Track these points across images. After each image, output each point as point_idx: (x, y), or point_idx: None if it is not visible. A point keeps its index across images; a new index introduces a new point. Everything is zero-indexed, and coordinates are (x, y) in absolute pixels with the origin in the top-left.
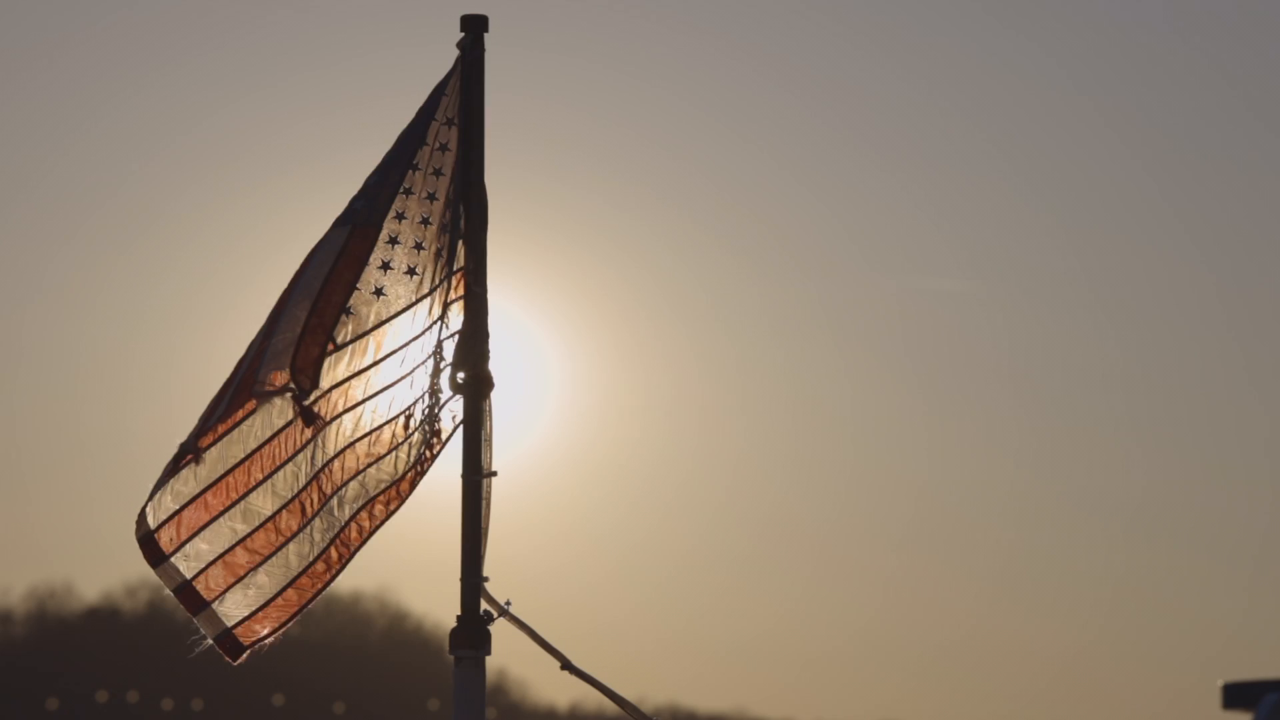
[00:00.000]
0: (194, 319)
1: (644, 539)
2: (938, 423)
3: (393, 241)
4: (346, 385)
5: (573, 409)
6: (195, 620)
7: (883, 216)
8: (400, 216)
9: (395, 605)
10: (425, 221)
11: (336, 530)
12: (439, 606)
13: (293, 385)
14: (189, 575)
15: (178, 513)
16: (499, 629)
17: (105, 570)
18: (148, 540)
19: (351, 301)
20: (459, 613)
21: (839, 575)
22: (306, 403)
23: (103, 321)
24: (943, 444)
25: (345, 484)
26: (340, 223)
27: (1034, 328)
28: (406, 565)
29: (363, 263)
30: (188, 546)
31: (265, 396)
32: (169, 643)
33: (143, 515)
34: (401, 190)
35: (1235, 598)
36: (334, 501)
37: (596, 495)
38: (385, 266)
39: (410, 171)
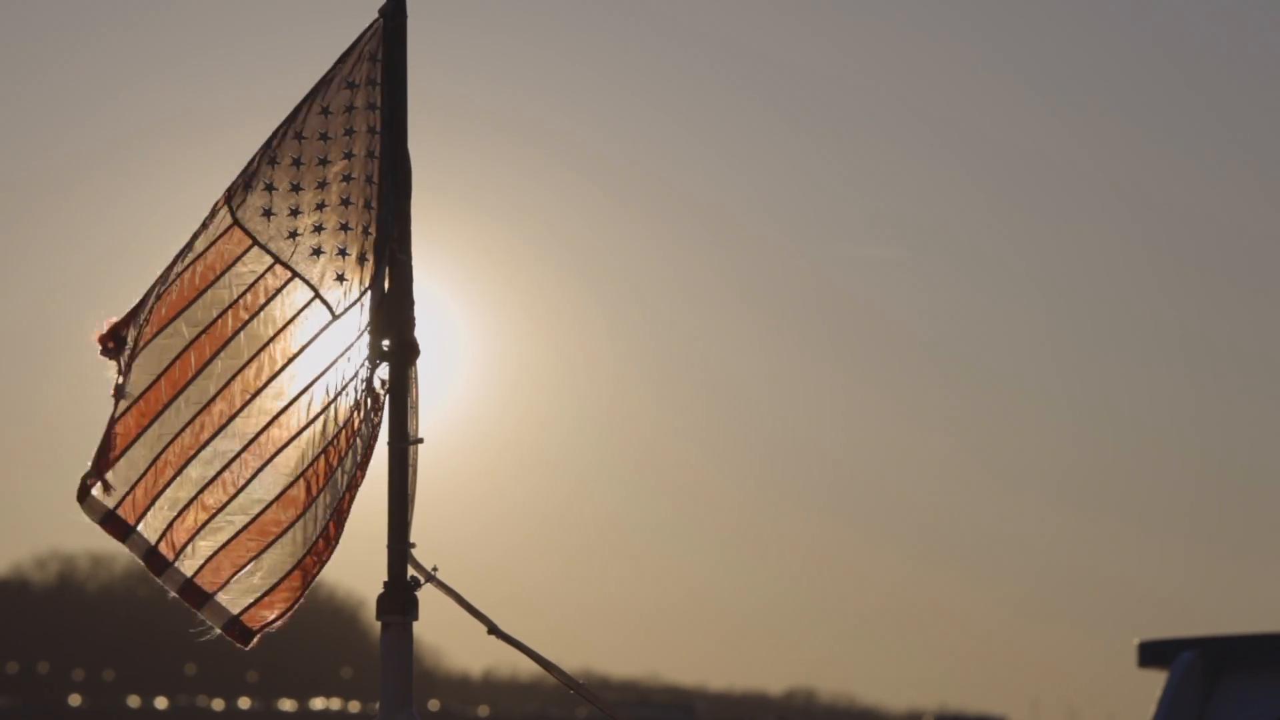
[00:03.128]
0: (110, 289)
1: (558, 505)
2: (856, 389)
3: (268, 214)
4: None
5: (485, 376)
6: (199, 613)
7: (798, 185)
8: (297, 188)
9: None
10: (346, 202)
11: (335, 503)
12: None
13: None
14: (190, 574)
15: (137, 482)
16: (423, 598)
17: (14, 543)
18: (110, 518)
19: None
20: (385, 579)
21: (755, 542)
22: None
23: (15, 292)
24: (861, 411)
25: (343, 459)
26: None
27: (956, 295)
28: None
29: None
30: (189, 547)
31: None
32: (80, 614)
33: (89, 488)
34: (289, 160)
35: (1153, 559)
36: (338, 474)
37: (509, 462)
38: (293, 234)
39: (296, 140)
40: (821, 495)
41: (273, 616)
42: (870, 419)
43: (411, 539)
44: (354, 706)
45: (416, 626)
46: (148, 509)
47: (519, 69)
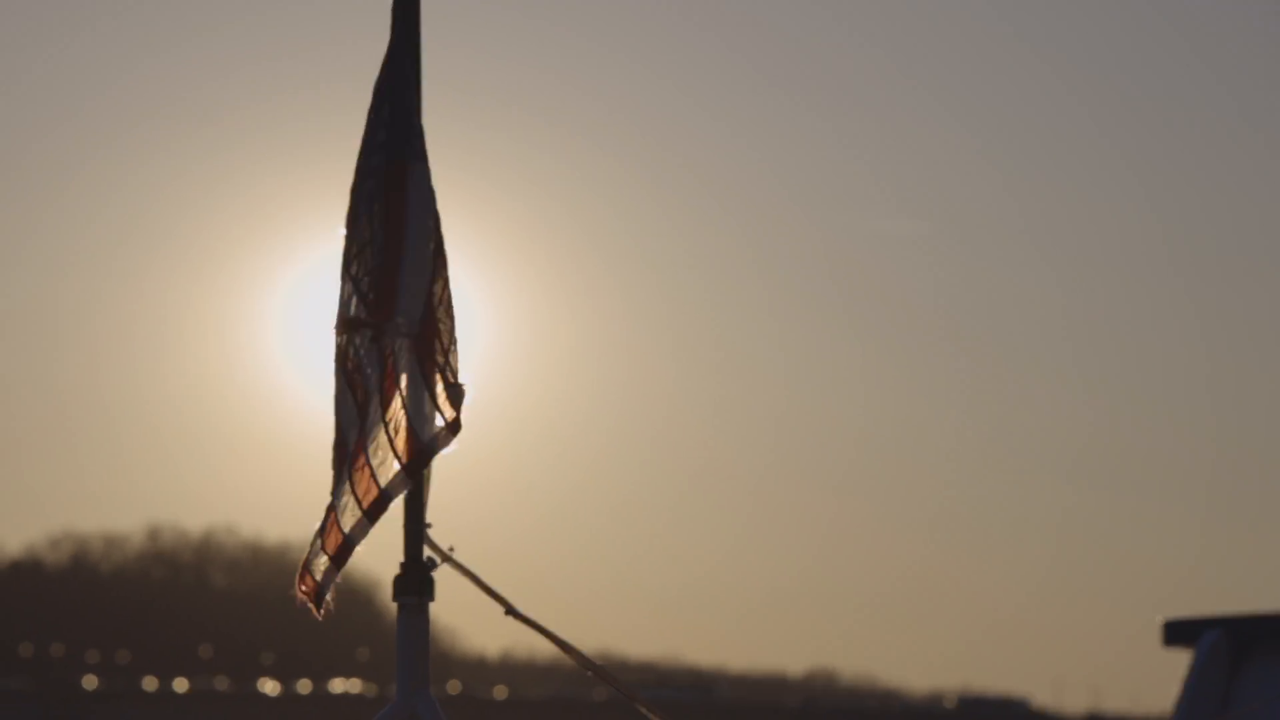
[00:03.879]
0: (117, 269)
1: (576, 485)
2: (875, 367)
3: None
4: None
5: (503, 355)
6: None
7: (817, 160)
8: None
9: None
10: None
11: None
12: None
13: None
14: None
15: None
16: (439, 579)
17: (27, 524)
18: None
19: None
20: (401, 559)
21: (775, 521)
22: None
23: (25, 272)
24: (880, 388)
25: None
26: (418, 158)
27: (978, 271)
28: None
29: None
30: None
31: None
32: (93, 595)
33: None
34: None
35: (1176, 537)
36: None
37: (526, 441)
38: None
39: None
40: (841, 474)
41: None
42: (890, 396)
43: (428, 519)
44: (371, 689)
45: (433, 607)
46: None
47: (535, 45)
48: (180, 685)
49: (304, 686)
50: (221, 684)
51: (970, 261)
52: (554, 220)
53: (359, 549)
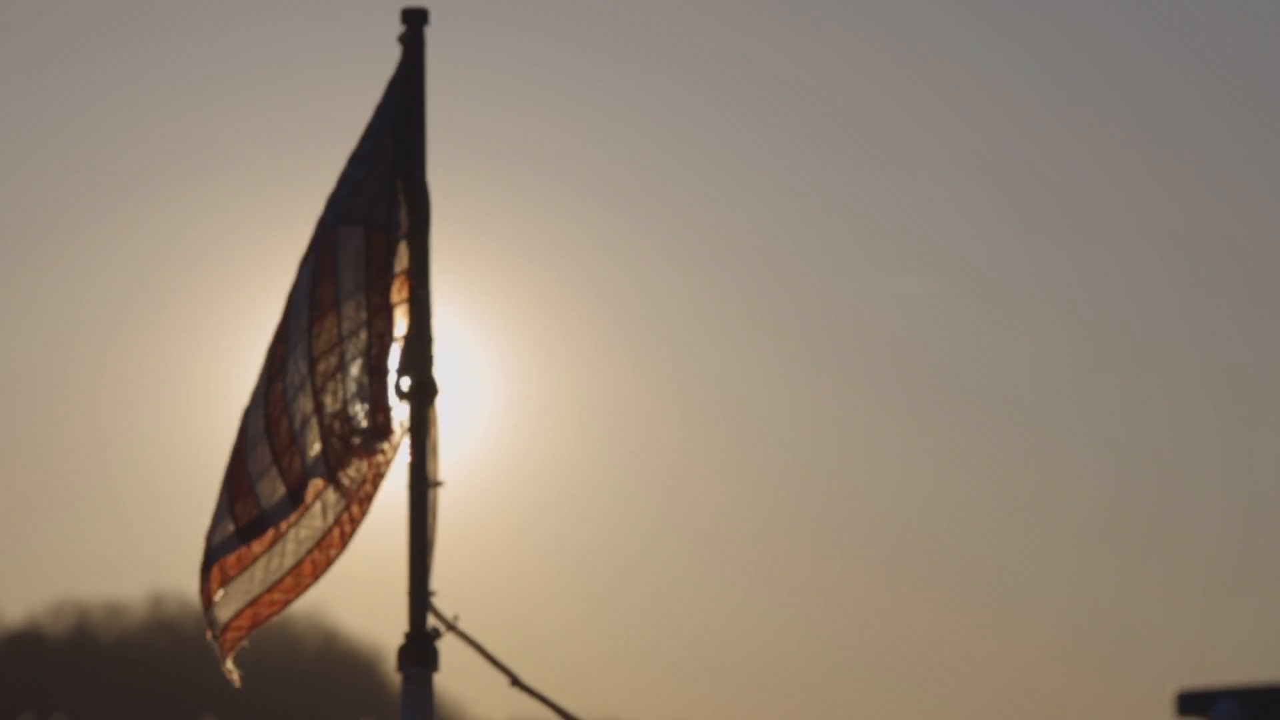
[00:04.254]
0: (124, 326)
1: (583, 550)
2: (882, 428)
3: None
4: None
5: (508, 416)
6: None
7: (826, 216)
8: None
9: (329, 624)
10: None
11: (319, 535)
12: (371, 623)
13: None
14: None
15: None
16: (443, 645)
17: (28, 592)
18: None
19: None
20: (405, 629)
21: (782, 586)
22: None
23: (30, 328)
24: (887, 450)
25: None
26: (346, 220)
27: (988, 330)
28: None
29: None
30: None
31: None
32: (95, 664)
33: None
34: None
35: (1189, 604)
36: (317, 505)
37: (532, 505)
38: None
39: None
40: (849, 537)
41: (245, 628)
42: (899, 459)
43: (432, 586)
44: None
45: (438, 676)
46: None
47: (542, 99)
48: None
49: None
50: None
51: (980, 321)
52: (561, 279)
53: (359, 619)
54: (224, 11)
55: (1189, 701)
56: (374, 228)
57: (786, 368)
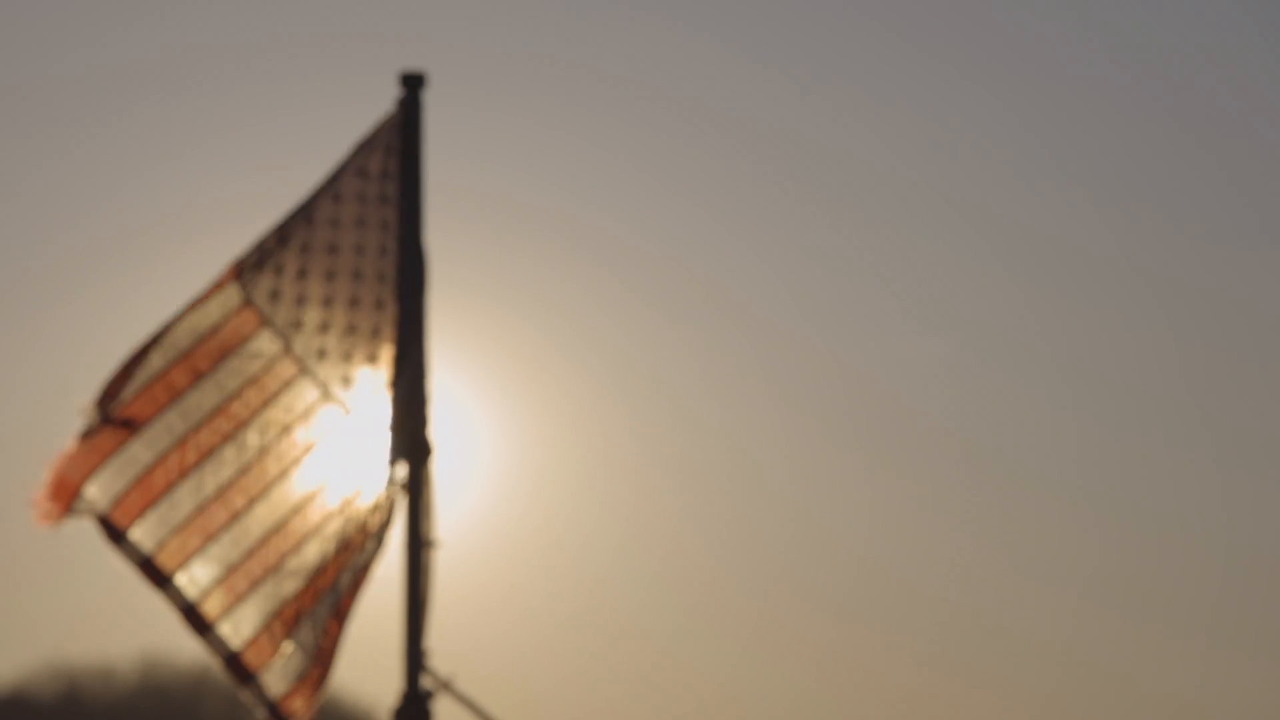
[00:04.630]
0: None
1: (581, 611)
2: (886, 491)
3: (274, 297)
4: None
5: (506, 477)
6: (243, 690)
7: (833, 278)
8: (304, 274)
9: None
10: (354, 302)
11: (335, 602)
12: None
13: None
14: (236, 647)
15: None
16: (439, 706)
17: (16, 652)
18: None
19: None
20: (400, 689)
21: (782, 648)
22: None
23: (20, 391)
24: (891, 513)
25: (354, 557)
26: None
27: (992, 394)
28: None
29: (236, 342)
30: (235, 613)
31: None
32: None
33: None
34: (298, 246)
35: (1192, 671)
36: (343, 575)
37: (530, 566)
38: (297, 325)
39: (308, 226)
40: (850, 598)
41: (301, 706)
42: (903, 521)
43: (427, 645)
44: None
45: None
46: (191, 560)
47: (542, 159)
48: None
49: None
50: None
51: (989, 384)
52: (561, 340)
53: (353, 678)
54: (217, 75)
55: None
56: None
57: (790, 429)
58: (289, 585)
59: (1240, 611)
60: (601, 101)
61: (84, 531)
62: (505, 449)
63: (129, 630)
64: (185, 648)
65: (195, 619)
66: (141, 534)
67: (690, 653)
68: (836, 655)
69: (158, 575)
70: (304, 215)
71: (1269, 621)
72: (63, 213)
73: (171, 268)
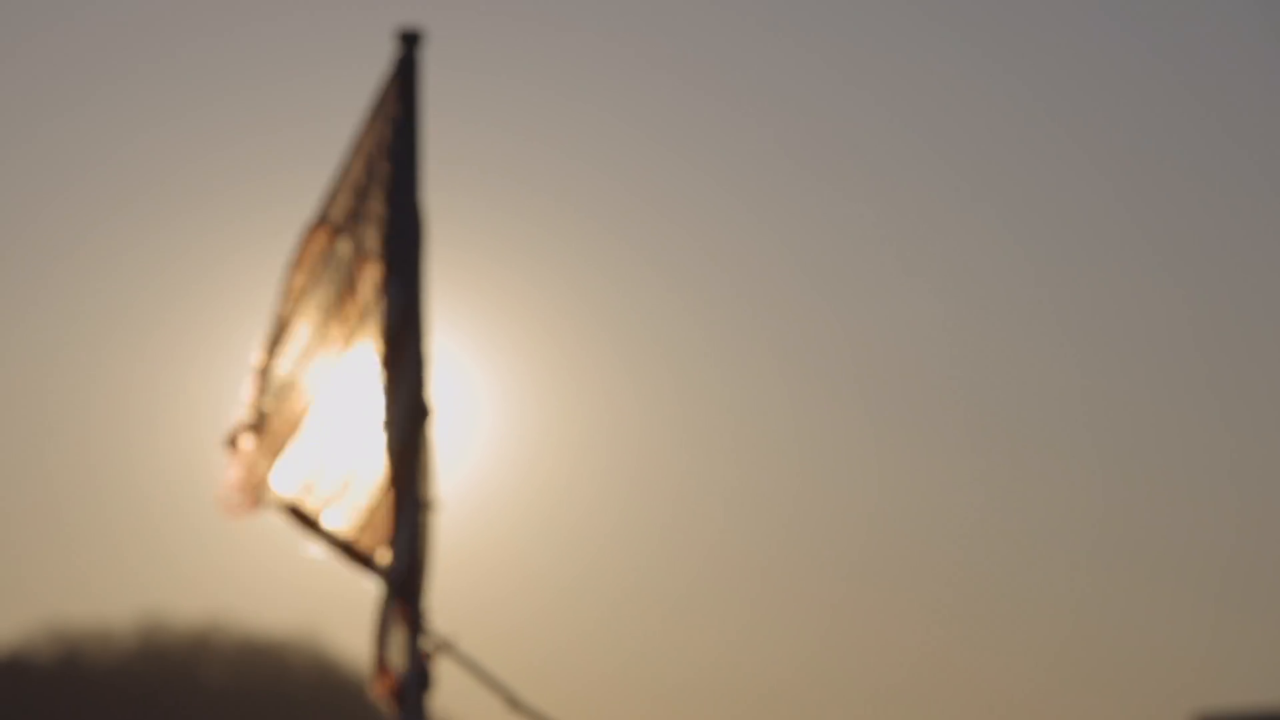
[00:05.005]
0: (114, 349)
1: (582, 571)
2: (888, 449)
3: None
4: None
5: (505, 437)
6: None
7: (832, 240)
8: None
9: (322, 648)
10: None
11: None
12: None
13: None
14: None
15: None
16: (441, 667)
17: (16, 615)
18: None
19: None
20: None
21: (785, 606)
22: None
23: (19, 351)
24: (894, 471)
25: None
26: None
27: (991, 352)
28: (335, 602)
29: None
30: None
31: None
32: (84, 693)
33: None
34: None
35: (1202, 626)
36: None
37: (530, 527)
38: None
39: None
40: (855, 561)
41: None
42: (906, 479)
43: (428, 608)
44: None
45: (435, 699)
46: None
47: (541, 119)
48: None
49: None
50: None
51: (988, 342)
52: (561, 301)
53: (354, 642)
54: (220, 35)
55: None
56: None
57: (791, 388)
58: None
59: (1248, 569)
60: (603, 62)
61: (81, 496)
62: (506, 411)
63: (127, 594)
64: (184, 610)
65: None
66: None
67: (692, 610)
68: (841, 609)
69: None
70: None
71: (1277, 578)
72: (65, 171)
73: (174, 224)
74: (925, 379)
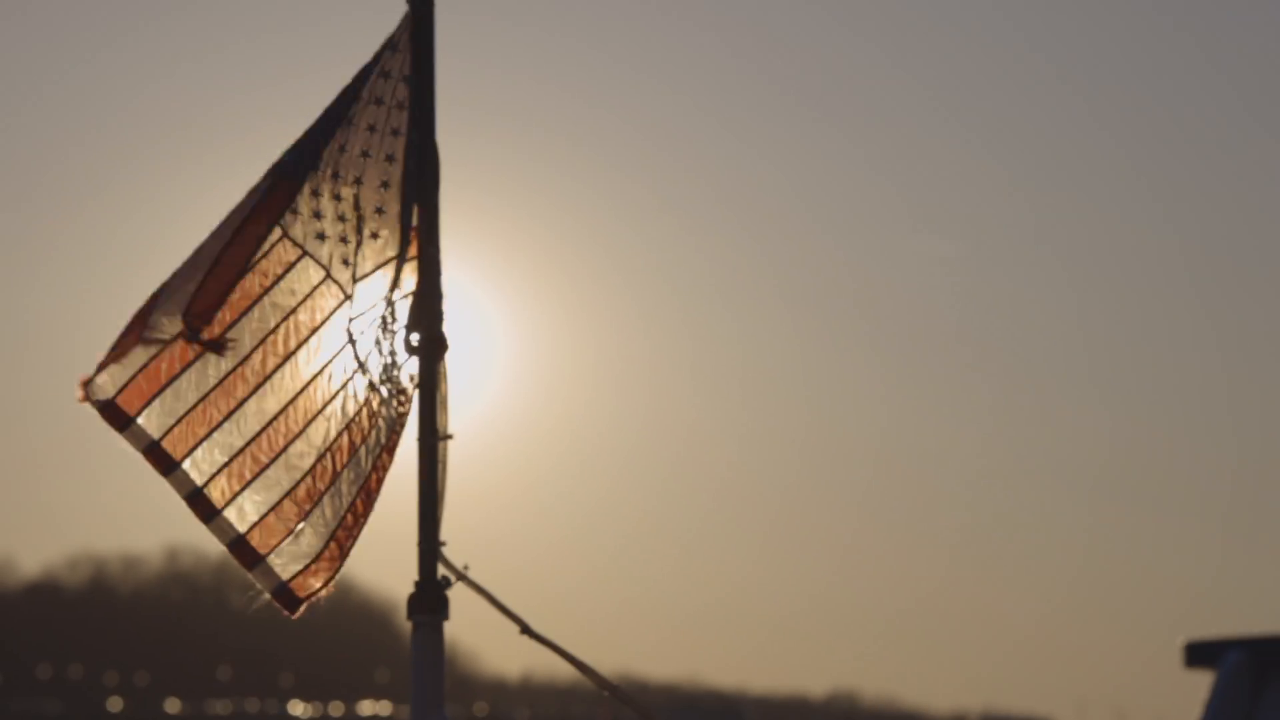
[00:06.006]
0: (136, 291)
1: (595, 503)
2: (896, 387)
3: (316, 195)
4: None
5: (522, 374)
6: (251, 574)
7: (839, 177)
8: (336, 175)
9: (342, 575)
10: (384, 185)
11: (361, 480)
12: (384, 576)
13: (184, 329)
14: (242, 530)
15: (182, 418)
16: (455, 596)
17: (44, 545)
18: (153, 449)
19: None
20: (415, 578)
21: (796, 540)
22: (205, 338)
23: (44, 294)
24: (901, 407)
25: (365, 437)
26: (270, 174)
27: (999, 291)
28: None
29: (276, 213)
30: (240, 500)
31: (152, 342)
32: (112, 616)
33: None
34: (336, 146)
35: (1199, 557)
36: (361, 451)
37: (548, 460)
38: (316, 215)
39: (346, 126)
40: (862, 493)
41: (318, 585)
42: (913, 415)
43: (442, 537)
44: (384, 708)
45: (452, 628)
46: (197, 446)
47: (551, 60)
48: (210, 708)
49: (335, 709)
50: (252, 706)
51: (995, 280)
52: (573, 237)
53: (372, 572)
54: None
55: (1197, 652)
56: (282, 178)
57: (801, 327)
58: (297, 466)
59: (1247, 499)
60: (616, 7)
61: (108, 431)
62: (521, 345)
63: (154, 523)
64: (210, 538)
65: (201, 505)
66: (147, 420)
67: (704, 543)
68: (850, 544)
69: (165, 461)
70: (345, 118)
71: (1276, 508)
72: (75, 121)
73: (183, 175)
74: (936, 319)
